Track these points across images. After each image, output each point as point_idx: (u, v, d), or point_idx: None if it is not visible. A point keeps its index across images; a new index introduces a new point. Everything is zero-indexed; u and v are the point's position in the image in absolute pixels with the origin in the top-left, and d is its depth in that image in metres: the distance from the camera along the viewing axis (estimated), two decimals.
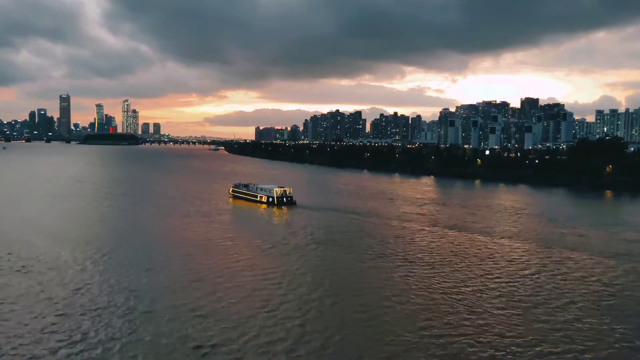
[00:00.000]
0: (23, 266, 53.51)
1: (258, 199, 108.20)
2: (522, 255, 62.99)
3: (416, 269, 55.56)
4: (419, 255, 62.18)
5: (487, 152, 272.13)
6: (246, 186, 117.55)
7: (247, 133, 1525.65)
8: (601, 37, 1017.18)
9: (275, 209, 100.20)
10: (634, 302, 45.90)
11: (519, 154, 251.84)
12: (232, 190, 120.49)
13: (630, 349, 35.64)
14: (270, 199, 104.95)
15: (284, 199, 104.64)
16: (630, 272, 55.56)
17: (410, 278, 51.82)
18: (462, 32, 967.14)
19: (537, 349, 35.09)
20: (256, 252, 62.53)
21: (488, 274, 53.71)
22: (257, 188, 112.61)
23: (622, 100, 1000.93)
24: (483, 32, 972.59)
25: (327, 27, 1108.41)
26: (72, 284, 47.63)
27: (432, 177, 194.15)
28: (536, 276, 53.36)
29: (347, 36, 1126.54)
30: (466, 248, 66.70)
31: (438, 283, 50.21)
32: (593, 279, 52.74)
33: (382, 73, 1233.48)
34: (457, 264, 57.71)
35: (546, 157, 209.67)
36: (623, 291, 48.79)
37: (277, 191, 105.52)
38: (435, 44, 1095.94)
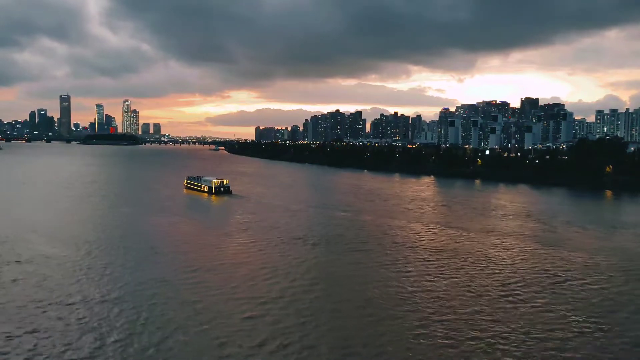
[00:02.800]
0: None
1: (201, 188, 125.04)
2: (511, 252, 62.75)
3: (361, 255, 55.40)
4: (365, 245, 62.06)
5: (487, 152, 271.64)
6: (197, 179, 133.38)
7: (248, 133, 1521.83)
8: (610, 36, 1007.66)
9: (213, 197, 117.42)
10: (627, 300, 45.64)
11: (519, 154, 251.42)
12: (186, 182, 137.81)
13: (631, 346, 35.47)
14: (210, 189, 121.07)
15: (222, 188, 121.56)
16: (625, 271, 55.32)
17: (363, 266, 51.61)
18: (471, 30, 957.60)
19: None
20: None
21: (470, 270, 53.54)
22: (201, 180, 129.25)
23: (626, 99, 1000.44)
24: (493, 31, 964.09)
25: (332, 25, 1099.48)
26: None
27: (432, 177, 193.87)
28: (531, 275, 53.10)
29: (352, 35, 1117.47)
30: (443, 242, 66.58)
31: (405, 273, 49.98)
32: (592, 278, 52.42)
33: (387, 73, 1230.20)
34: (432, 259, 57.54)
35: (546, 157, 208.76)
36: (618, 290, 48.45)
37: (214, 182, 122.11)
38: (443, 42, 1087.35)
